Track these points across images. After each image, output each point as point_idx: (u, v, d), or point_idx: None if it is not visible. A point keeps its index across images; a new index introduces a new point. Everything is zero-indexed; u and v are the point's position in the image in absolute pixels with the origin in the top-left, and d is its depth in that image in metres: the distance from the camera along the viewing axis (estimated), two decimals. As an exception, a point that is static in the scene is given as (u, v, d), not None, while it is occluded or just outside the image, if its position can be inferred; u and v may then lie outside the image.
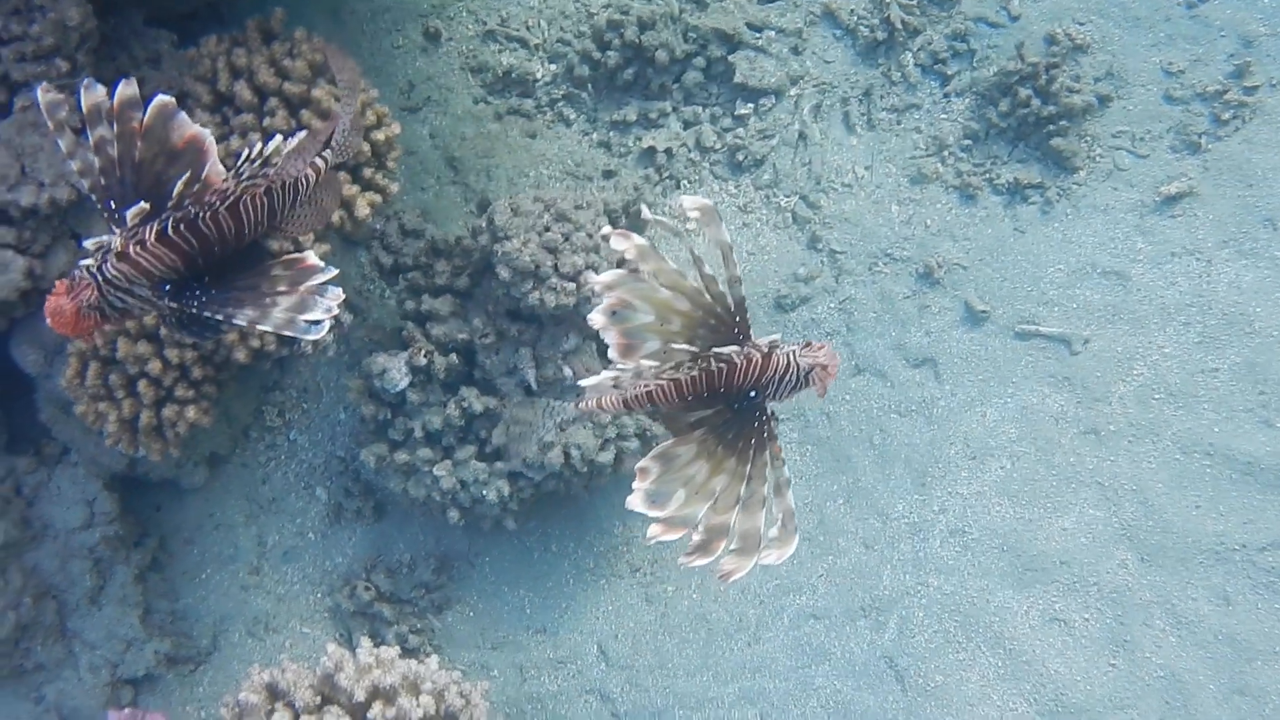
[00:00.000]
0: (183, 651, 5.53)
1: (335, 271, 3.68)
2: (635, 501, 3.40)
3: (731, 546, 3.36)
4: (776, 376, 3.46)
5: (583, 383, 3.58)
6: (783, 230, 5.81)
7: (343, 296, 3.67)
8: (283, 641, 5.56)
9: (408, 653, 5.01)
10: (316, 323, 3.61)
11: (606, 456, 5.19)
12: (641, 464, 3.46)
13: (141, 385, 4.78)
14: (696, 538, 3.36)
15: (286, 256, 3.77)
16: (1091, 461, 5.45)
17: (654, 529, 3.38)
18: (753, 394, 3.50)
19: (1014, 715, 5.27)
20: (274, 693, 4.61)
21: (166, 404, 4.85)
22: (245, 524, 5.61)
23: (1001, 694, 5.30)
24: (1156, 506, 5.37)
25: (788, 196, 5.85)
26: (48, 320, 3.55)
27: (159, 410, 4.85)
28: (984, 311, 5.61)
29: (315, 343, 5.01)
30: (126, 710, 4.52)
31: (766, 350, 3.43)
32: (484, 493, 5.16)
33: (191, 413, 4.84)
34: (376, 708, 4.50)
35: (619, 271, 3.42)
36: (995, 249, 5.72)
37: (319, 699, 4.59)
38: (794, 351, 3.46)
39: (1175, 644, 5.25)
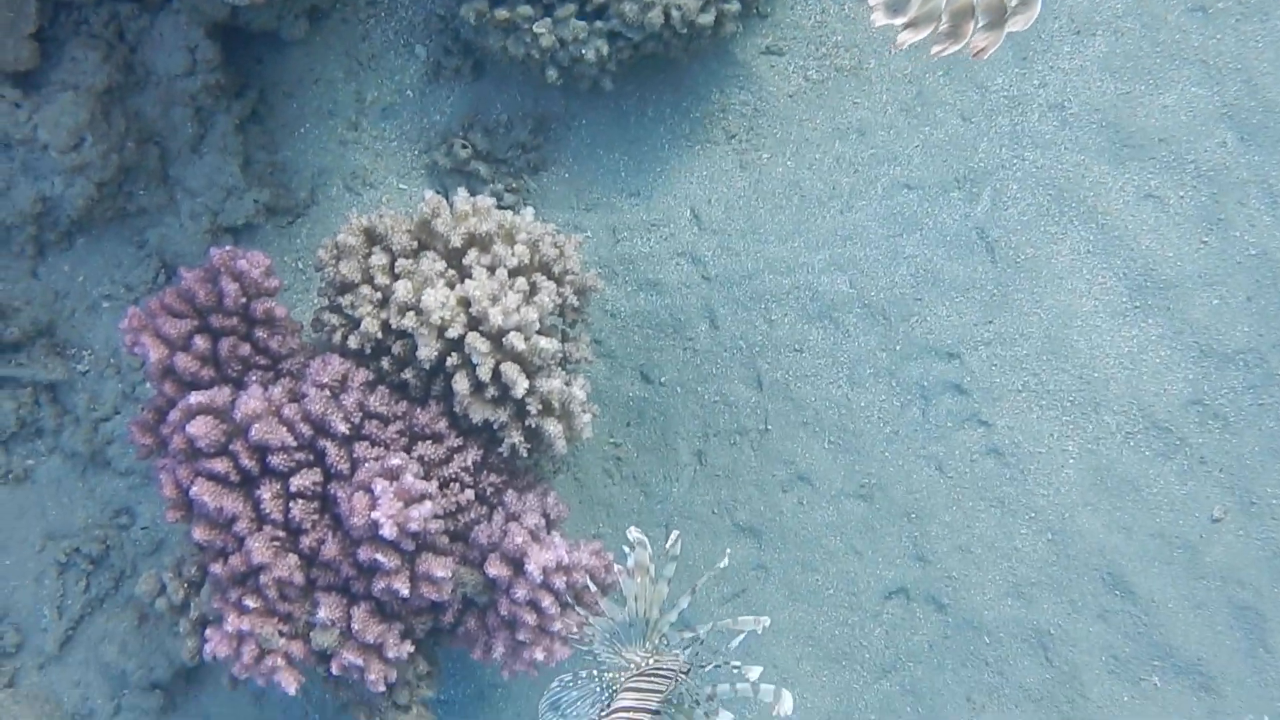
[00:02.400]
0: (281, 202, 5.60)
1: None
2: (878, 17, 3.52)
3: (979, 25, 3.46)
4: None
5: None
6: None
7: None
8: (380, 197, 5.62)
9: (503, 209, 5.04)
10: None
11: (707, 18, 5.13)
12: None
13: (245, -84, 4.78)
14: (944, 27, 3.47)
15: None
16: (1197, 39, 5.33)
17: (904, 35, 3.50)
18: None
19: (1102, 288, 5.29)
20: (372, 237, 4.66)
21: (269, -62, 4.86)
22: (345, 80, 5.62)
23: (1091, 267, 5.31)
24: (1260, 86, 5.26)
25: None
26: None
27: (262, -56, 4.86)
28: (1096, -113, 5.47)
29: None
30: (228, 248, 4.59)
31: None
32: (583, 51, 5.13)
33: (294, -51, 4.86)
34: (472, 254, 4.55)
35: None
36: None
37: (416, 244, 4.66)
38: None
39: (1270, 223, 5.21)
